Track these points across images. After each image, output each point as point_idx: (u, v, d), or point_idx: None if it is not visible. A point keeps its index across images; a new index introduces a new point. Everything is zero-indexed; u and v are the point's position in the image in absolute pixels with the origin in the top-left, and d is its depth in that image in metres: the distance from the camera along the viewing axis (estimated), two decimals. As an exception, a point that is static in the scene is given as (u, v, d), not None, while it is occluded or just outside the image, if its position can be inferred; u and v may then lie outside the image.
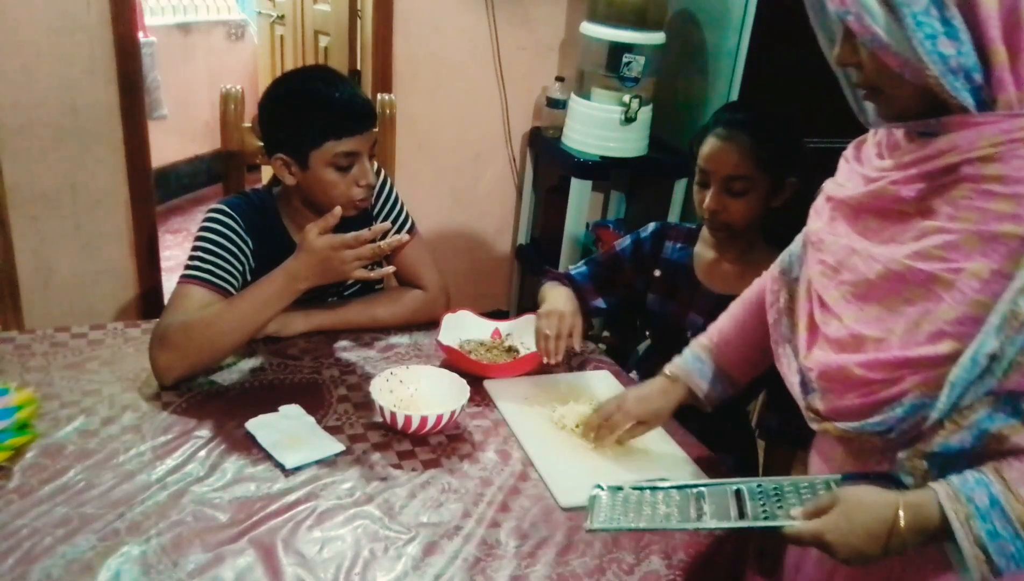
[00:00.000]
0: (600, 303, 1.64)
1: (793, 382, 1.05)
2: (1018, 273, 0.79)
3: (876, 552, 0.86)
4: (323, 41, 3.15)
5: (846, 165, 1.03)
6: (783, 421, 1.48)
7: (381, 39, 2.64)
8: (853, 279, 0.94)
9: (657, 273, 1.61)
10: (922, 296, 0.86)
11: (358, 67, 2.84)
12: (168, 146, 3.92)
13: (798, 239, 1.13)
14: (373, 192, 1.48)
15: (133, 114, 2.33)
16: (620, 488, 1.04)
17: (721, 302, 1.52)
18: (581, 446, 1.28)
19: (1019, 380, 0.81)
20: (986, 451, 0.85)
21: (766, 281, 1.20)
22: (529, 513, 1.13)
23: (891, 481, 0.91)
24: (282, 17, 3.60)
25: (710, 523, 0.96)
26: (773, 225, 1.50)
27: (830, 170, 1.55)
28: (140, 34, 2.59)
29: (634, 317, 1.74)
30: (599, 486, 1.05)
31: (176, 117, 3.84)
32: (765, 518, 0.93)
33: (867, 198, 0.94)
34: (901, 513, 0.85)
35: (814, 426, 1.00)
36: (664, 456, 1.28)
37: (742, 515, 0.95)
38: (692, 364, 1.27)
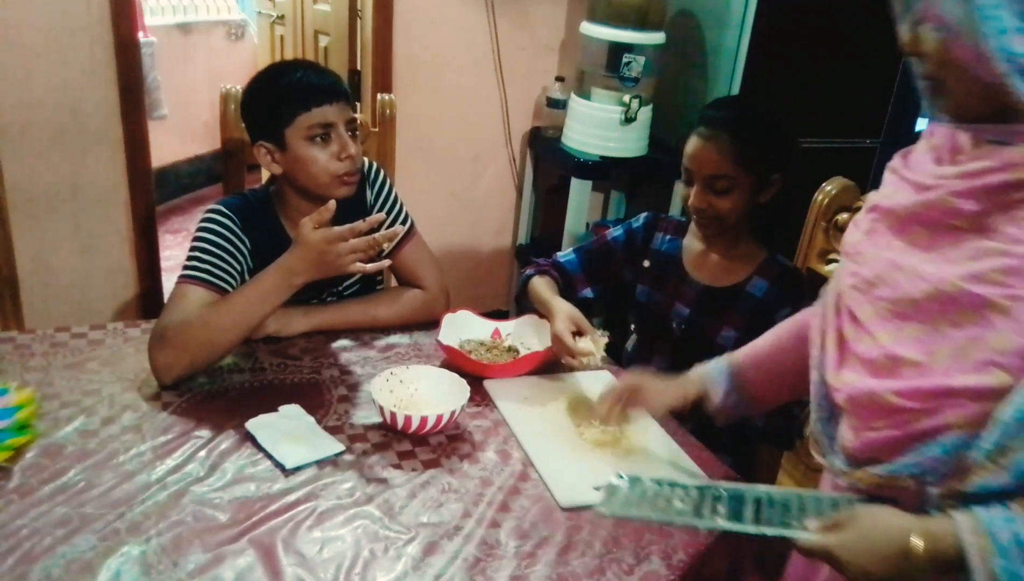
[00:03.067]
0: (588, 293, 1.65)
1: (817, 417, 0.98)
2: None
3: (886, 576, 0.82)
4: (323, 41, 3.16)
5: (893, 176, 0.95)
6: (768, 420, 1.48)
7: (381, 39, 2.64)
8: (893, 296, 0.87)
9: (646, 264, 1.62)
10: (972, 321, 0.79)
11: (358, 67, 2.84)
12: (168, 146, 3.92)
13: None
14: (358, 167, 1.48)
15: (133, 114, 2.33)
16: (639, 479, 1.06)
17: (707, 294, 1.54)
18: (581, 446, 1.28)
19: None
20: None
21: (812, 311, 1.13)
22: (529, 513, 1.13)
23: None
24: (282, 17, 3.60)
25: (723, 524, 0.95)
26: (760, 220, 1.51)
27: (828, 170, 1.56)
28: (140, 34, 2.59)
29: (625, 312, 1.75)
30: (620, 475, 1.06)
31: (176, 117, 3.84)
32: (781, 525, 0.92)
33: (919, 208, 0.86)
34: (918, 541, 0.80)
35: (842, 479, 0.93)
36: (664, 456, 1.28)
37: (757, 520, 0.95)
38: (712, 371, 1.24)
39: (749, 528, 0.94)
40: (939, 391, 0.81)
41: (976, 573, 0.78)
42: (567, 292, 1.61)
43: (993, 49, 0.74)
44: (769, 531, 0.92)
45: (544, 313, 1.51)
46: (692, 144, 1.48)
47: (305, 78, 1.43)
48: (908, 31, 0.83)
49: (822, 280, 1.20)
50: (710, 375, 1.24)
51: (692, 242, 1.60)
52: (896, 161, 0.95)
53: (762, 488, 1.01)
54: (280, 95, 1.43)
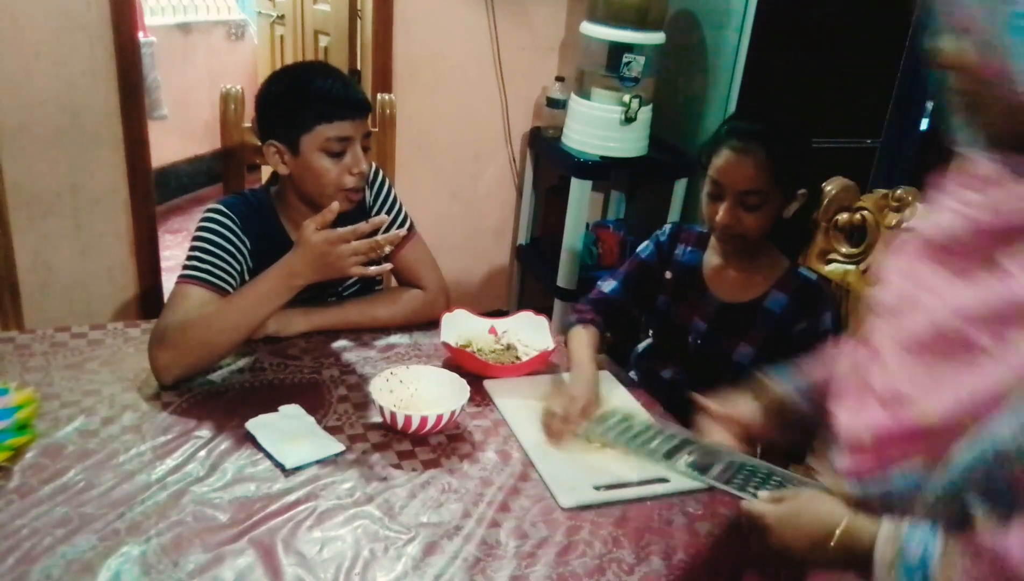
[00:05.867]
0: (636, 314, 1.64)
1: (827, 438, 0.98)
2: None
3: (802, 552, 0.87)
4: (323, 41, 3.15)
5: (939, 197, 0.89)
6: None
7: (381, 39, 2.64)
8: (907, 326, 0.84)
9: (668, 275, 1.60)
10: (960, 359, 0.76)
11: (358, 67, 2.84)
12: (168, 146, 3.91)
13: None
14: (366, 182, 1.49)
15: (133, 114, 2.33)
16: (631, 416, 1.20)
17: (725, 310, 1.52)
18: (581, 446, 1.27)
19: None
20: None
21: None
22: (529, 513, 1.13)
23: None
24: (282, 17, 3.60)
25: (684, 470, 1.04)
26: (780, 234, 1.49)
27: (828, 170, 1.56)
28: (140, 34, 2.59)
29: (637, 316, 1.74)
30: (613, 411, 1.20)
31: (176, 117, 3.84)
32: (738, 488, 0.98)
33: (942, 235, 0.83)
34: (839, 531, 0.84)
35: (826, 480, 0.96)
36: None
37: (720, 479, 1.01)
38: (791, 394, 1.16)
39: (706, 481, 1.02)
40: (910, 432, 0.81)
41: (878, 578, 0.78)
42: (619, 318, 1.59)
43: (1015, 61, 0.69)
44: (722, 487, 1.00)
45: (572, 369, 1.46)
46: (724, 158, 1.42)
47: (333, 89, 1.40)
48: (950, 42, 0.77)
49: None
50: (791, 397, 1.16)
51: (711, 256, 1.57)
52: (944, 182, 0.90)
53: (740, 455, 1.07)
54: (305, 101, 1.40)
